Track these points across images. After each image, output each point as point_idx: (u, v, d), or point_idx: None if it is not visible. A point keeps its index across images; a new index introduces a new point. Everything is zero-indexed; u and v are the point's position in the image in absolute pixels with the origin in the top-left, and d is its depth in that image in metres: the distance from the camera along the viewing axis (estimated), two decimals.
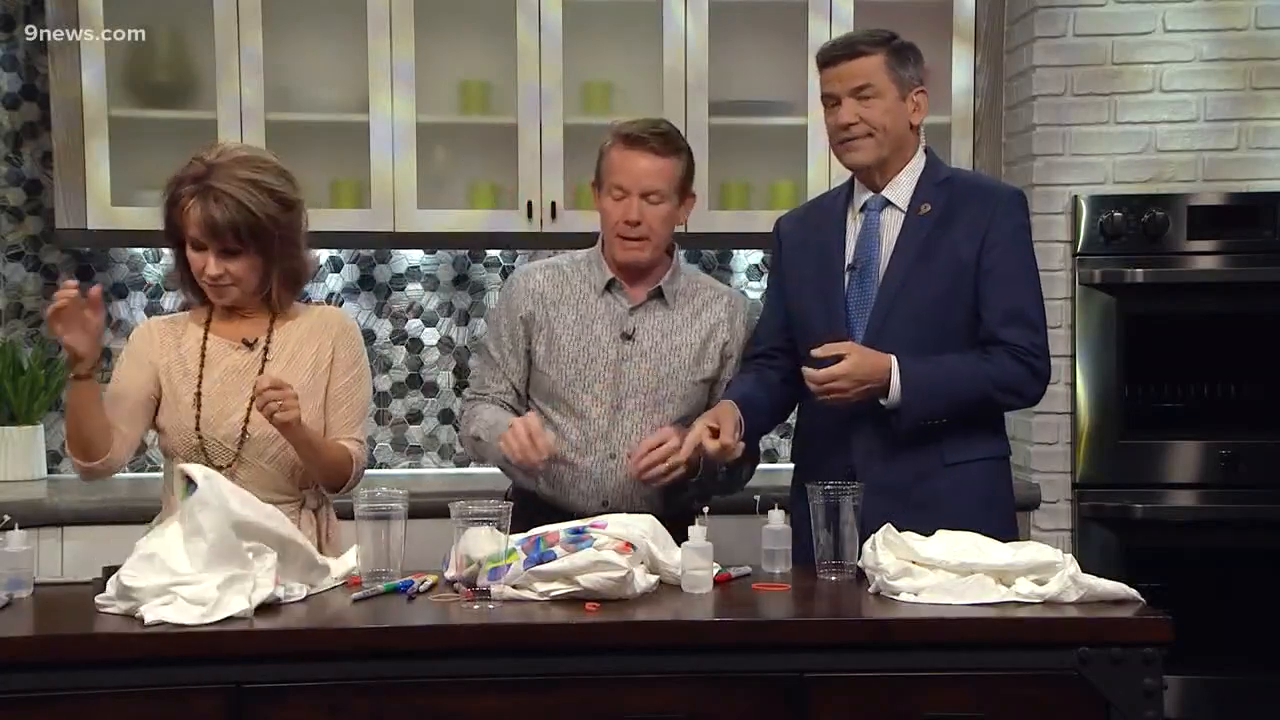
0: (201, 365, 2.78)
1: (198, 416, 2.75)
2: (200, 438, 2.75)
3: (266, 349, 2.80)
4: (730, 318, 3.04)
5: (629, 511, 2.72)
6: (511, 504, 2.60)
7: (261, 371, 2.77)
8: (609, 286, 3.00)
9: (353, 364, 2.86)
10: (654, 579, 2.48)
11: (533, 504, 2.94)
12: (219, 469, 2.68)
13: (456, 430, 4.10)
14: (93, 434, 2.69)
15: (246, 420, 2.74)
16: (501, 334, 3.04)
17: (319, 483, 2.83)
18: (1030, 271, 2.91)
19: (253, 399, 2.70)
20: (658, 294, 3.00)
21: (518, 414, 2.97)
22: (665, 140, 2.94)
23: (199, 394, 2.76)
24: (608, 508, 2.89)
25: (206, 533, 2.30)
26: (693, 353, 2.99)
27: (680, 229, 3.97)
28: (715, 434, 2.78)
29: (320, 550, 2.73)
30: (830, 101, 2.88)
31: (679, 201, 2.97)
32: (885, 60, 2.83)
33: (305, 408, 2.74)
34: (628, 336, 2.97)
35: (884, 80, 2.83)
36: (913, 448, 2.81)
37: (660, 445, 2.82)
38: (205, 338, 2.81)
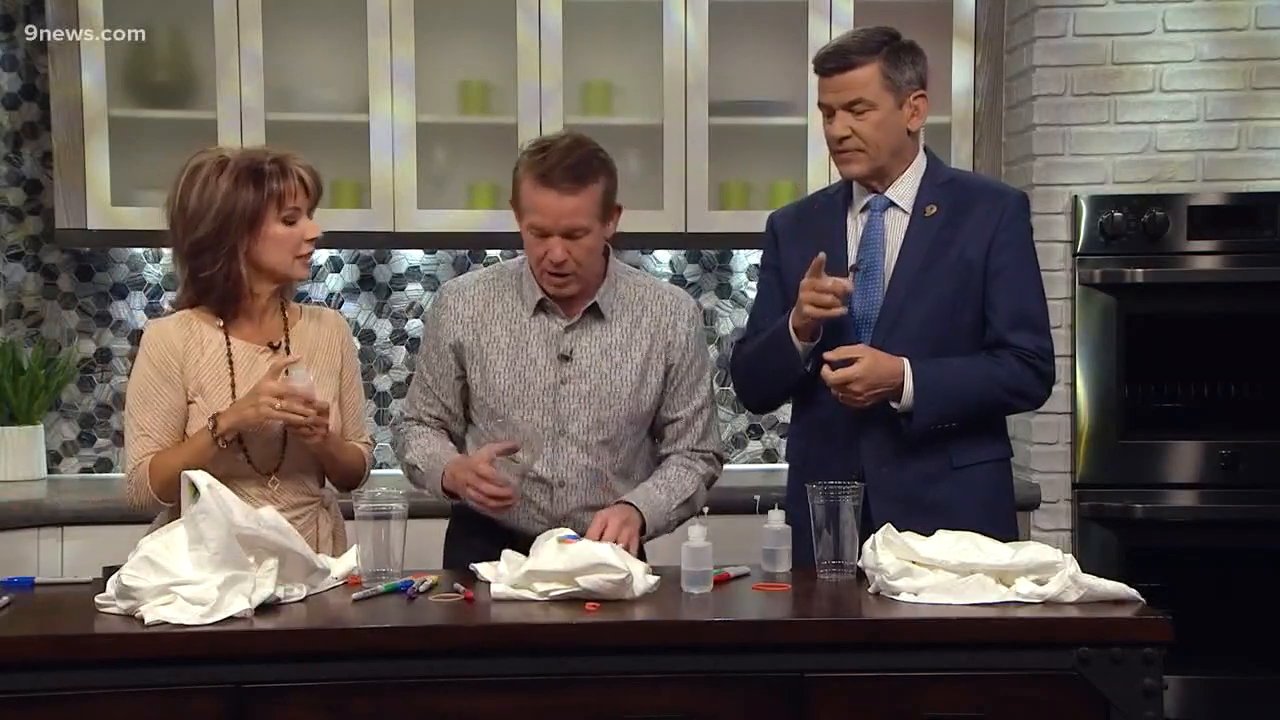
0: (231, 374, 2.74)
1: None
2: (245, 450, 2.72)
3: (288, 350, 2.80)
4: (672, 325, 2.87)
5: (581, 534, 2.68)
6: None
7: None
8: (541, 305, 2.84)
9: (356, 368, 2.91)
10: (654, 579, 2.47)
11: (479, 524, 2.85)
12: (264, 475, 2.73)
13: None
14: None
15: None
16: (432, 356, 2.90)
17: (334, 483, 2.86)
18: (1036, 274, 2.90)
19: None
20: (593, 309, 2.84)
21: (453, 436, 2.91)
22: (578, 174, 2.71)
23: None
24: None
25: (209, 541, 2.30)
26: (635, 368, 2.84)
27: (680, 229, 4.01)
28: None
29: (334, 548, 2.75)
30: (825, 111, 2.87)
31: (604, 223, 2.78)
32: (880, 69, 2.79)
33: (333, 412, 2.76)
34: (565, 358, 2.82)
35: (878, 91, 2.79)
36: (921, 452, 2.81)
37: (603, 530, 2.68)
38: (228, 342, 2.76)
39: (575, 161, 2.72)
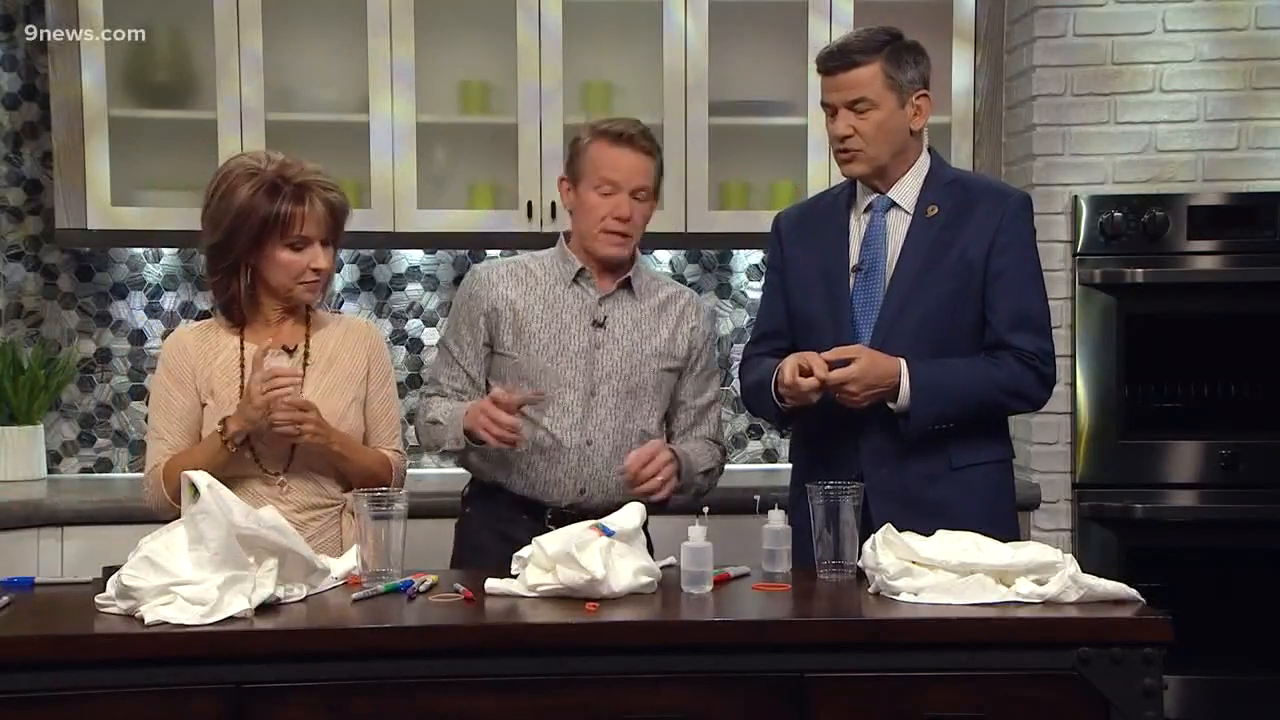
0: (242, 377, 2.75)
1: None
2: (252, 449, 2.74)
3: (306, 354, 2.80)
4: (694, 312, 3.05)
5: (605, 499, 2.82)
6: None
7: (303, 377, 2.77)
8: (578, 277, 2.98)
9: (387, 377, 2.90)
10: (646, 580, 2.45)
11: (504, 498, 2.95)
12: (272, 475, 2.74)
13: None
14: None
15: None
16: (461, 328, 3.01)
17: (355, 487, 2.84)
18: (1038, 276, 2.90)
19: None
20: (625, 285, 2.99)
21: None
22: (648, 139, 2.95)
23: None
24: (585, 495, 2.91)
25: (209, 541, 2.30)
26: (662, 341, 3.00)
27: (680, 229, 4.01)
28: (808, 372, 2.73)
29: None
30: (828, 110, 2.87)
31: (654, 198, 2.99)
32: (882, 68, 2.80)
33: (346, 415, 2.78)
34: (599, 324, 2.96)
35: (880, 91, 2.80)
36: (920, 452, 2.81)
37: (652, 459, 2.82)
38: (242, 348, 2.78)
39: (644, 130, 2.96)
